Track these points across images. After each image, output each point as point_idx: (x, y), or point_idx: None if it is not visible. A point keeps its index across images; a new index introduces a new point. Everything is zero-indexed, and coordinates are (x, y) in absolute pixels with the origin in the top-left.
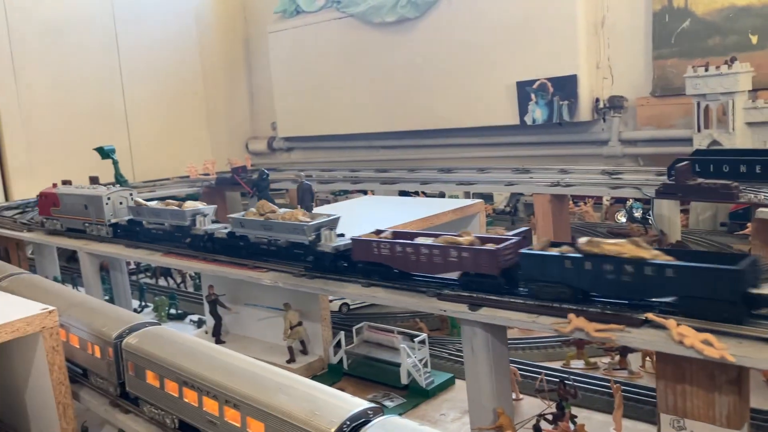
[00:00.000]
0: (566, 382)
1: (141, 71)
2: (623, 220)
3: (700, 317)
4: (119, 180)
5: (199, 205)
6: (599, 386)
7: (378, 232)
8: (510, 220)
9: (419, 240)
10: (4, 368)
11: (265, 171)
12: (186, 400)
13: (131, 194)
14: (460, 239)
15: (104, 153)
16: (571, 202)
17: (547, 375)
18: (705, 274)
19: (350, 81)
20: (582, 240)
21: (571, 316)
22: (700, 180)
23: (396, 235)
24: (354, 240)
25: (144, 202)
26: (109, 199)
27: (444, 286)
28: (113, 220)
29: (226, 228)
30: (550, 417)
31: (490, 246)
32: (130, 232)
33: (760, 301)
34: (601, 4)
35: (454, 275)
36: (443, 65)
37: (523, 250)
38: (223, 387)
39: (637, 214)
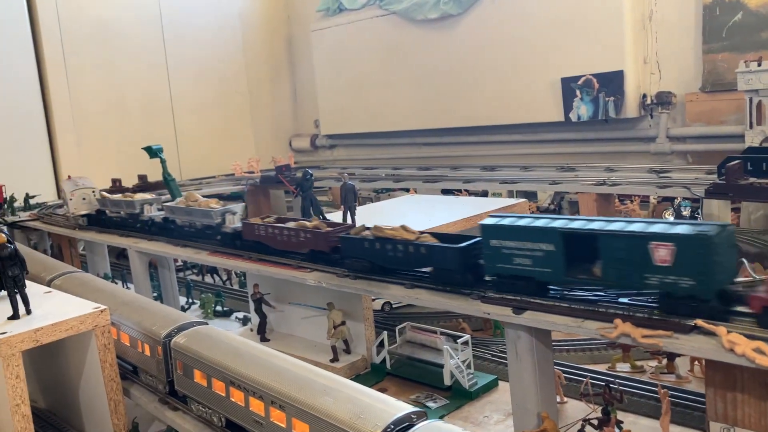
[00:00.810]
0: (611, 385)
1: (187, 70)
2: (671, 218)
3: (444, 284)
4: (167, 179)
5: (148, 196)
6: (646, 390)
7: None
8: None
9: (283, 225)
10: (58, 364)
11: (309, 171)
12: (233, 400)
13: (94, 191)
14: (308, 224)
15: (152, 152)
16: (617, 200)
17: (591, 378)
18: (441, 251)
19: (392, 78)
20: (370, 227)
21: (617, 321)
22: (752, 179)
23: (274, 221)
24: (243, 223)
25: (108, 195)
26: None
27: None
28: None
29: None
30: (595, 422)
31: (323, 230)
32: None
33: None
34: None
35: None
36: (486, 62)
37: (341, 234)
38: (269, 388)
39: (686, 212)
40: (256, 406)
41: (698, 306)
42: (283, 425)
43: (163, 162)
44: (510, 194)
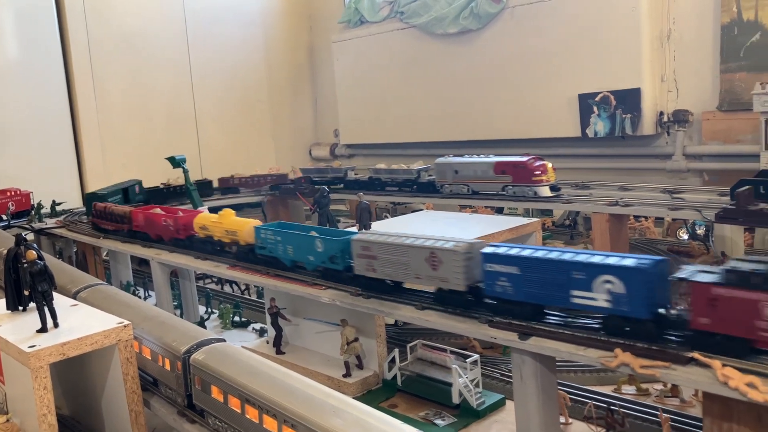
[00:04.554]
0: (613, 408)
1: (210, 80)
2: (685, 237)
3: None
4: (189, 188)
5: None
6: (649, 414)
7: None
8: (569, 234)
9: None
10: (83, 374)
11: (326, 188)
12: (248, 416)
13: None
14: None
15: (175, 162)
16: (632, 217)
17: (596, 401)
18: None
19: (412, 90)
20: None
21: (618, 350)
22: (762, 205)
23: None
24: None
25: None
26: None
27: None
28: None
29: None
30: None
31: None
32: None
33: None
34: (668, 16)
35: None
36: (504, 76)
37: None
38: (281, 407)
39: (700, 231)
40: (270, 423)
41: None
42: None
43: (185, 172)
44: (526, 211)
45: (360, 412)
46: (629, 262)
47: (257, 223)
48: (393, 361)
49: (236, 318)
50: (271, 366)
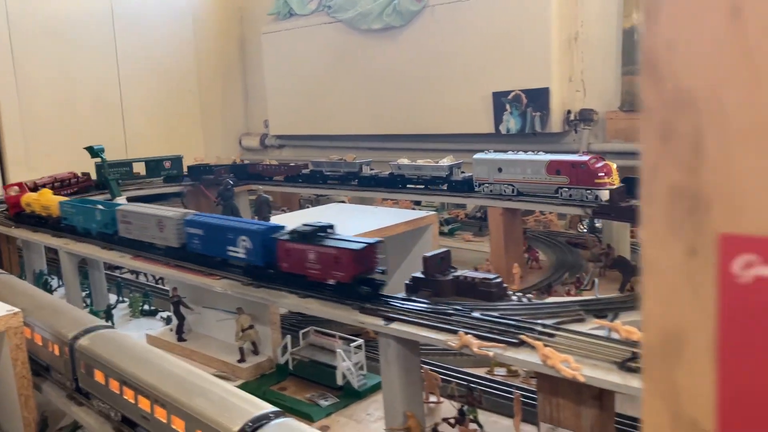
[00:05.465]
0: (472, 387)
1: (138, 68)
2: (585, 229)
3: None
4: (107, 178)
5: None
6: (507, 393)
7: None
8: (478, 225)
9: None
10: None
11: (230, 181)
12: (125, 398)
13: None
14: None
15: (94, 152)
16: (538, 211)
17: (466, 382)
18: None
19: (339, 84)
20: None
21: (461, 334)
22: (633, 201)
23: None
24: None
25: None
26: None
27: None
28: None
29: None
30: (452, 421)
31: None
32: None
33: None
34: (576, 19)
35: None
36: (425, 73)
37: None
38: (153, 388)
39: (599, 224)
40: (144, 403)
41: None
42: (165, 421)
43: (104, 161)
44: (442, 205)
45: (224, 391)
46: (254, 227)
47: (65, 199)
48: (286, 347)
49: (145, 307)
50: (150, 350)
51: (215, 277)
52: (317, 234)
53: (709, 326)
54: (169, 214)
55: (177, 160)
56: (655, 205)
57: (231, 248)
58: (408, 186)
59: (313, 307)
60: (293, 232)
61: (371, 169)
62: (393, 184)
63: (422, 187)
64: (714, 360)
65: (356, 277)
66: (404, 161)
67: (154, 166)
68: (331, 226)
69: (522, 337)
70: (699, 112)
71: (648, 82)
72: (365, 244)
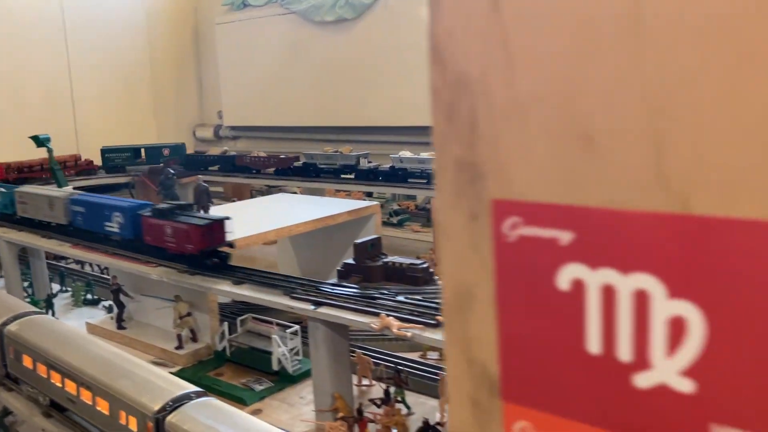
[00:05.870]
0: (399, 369)
1: (89, 58)
2: None
3: None
4: (53, 168)
5: None
6: (433, 374)
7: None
8: (426, 217)
9: None
10: None
11: (171, 171)
12: (52, 381)
13: None
14: None
15: (39, 141)
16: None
17: (397, 366)
18: None
19: (293, 75)
20: None
21: (382, 316)
22: None
23: None
24: None
25: None
26: None
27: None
28: None
29: None
30: (378, 401)
31: None
32: None
33: None
34: None
35: None
36: (378, 66)
37: None
38: (79, 371)
39: None
40: (70, 387)
41: None
42: (90, 403)
43: (50, 151)
44: (393, 196)
45: (148, 373)
46: (125, 204)
47: None
48: (224, 334)
49: (88, 296)
50: (79, 335)
51: (152, 265)
52: (174, 211)
53: (490, 281)
54: (56, 194)
55: (176, 148)
56: (444, 177)
57: (107, 224)
58: (409, 180)
59: (245, 293)
60: (154, 209)
61: (369, 162)
62: (394, 178)
63: (425, 182)
64: (495, 310)
65: (204, 251)
66: (406, 153)
67: (153, 152)
68: (190, 206)
69: (439, 318)
70: (473, 93)
71: (434, 67)
72: (212, 221)
